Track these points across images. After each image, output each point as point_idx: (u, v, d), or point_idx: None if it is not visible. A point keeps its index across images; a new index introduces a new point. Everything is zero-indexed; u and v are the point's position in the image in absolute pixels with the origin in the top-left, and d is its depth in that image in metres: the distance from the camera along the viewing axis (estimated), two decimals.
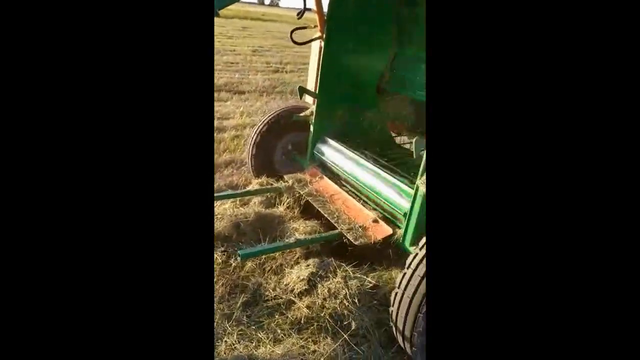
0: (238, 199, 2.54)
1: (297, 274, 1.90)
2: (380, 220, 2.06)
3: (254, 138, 2.76)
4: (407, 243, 1.90)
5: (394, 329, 1.57)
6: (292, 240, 1.91)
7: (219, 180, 3.06)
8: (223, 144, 3.79)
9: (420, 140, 1.64)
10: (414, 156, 1.66)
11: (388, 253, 2.06)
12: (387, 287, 1.88)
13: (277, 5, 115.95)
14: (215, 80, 6.23)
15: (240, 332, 1.66)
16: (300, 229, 2.21)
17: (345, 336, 1.63)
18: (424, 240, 1.51)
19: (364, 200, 2.23)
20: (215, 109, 4.79)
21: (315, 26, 2.59)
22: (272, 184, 2.62)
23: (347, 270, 1.85)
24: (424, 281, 1.40)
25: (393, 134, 3.11)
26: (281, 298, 1.84)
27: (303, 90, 2.50)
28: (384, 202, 2.06)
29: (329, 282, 1.80)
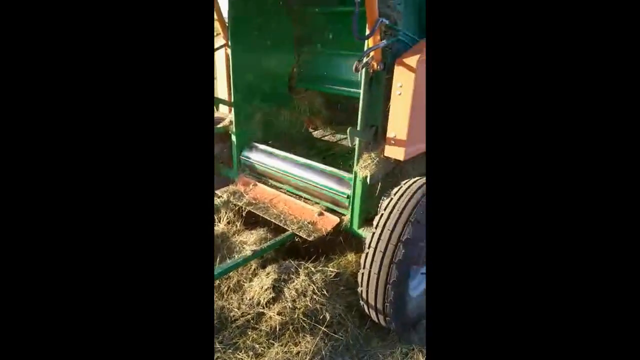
0: None
1: (259, 284, 1.87)
2: (325, 213, 2.14)
3: None
4: (355, 226, 2.02)
5: (365, 306, 1.68)
6: (248, 252, 1.86)
7: None
8: None
9: (354, 129, 1.75)
10: (350, 144, 1.77)
11: (338, 240, 2.16)
12: (347, 271, 1.98)
13: None
14: None
15: (219, 359, 1.58)
16: (250, 240, 2.16)
17: (322, 328, 1.68)
18: (377, 218, 1.63)
19: (304, 198, 2.28)
20: None
21: (218, 34, 2.52)
22: None
23: (307, 267, 1.89)
24: (387, 255, 1.52)
25: (310, 129, 3.22)
26: (249, 314, 1.80)
27: (218, 101, 2.42)
28: (326, 194, 2.15)
29: (294, 283, 1.82)
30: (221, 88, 2.63)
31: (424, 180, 1.69)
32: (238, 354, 1.61)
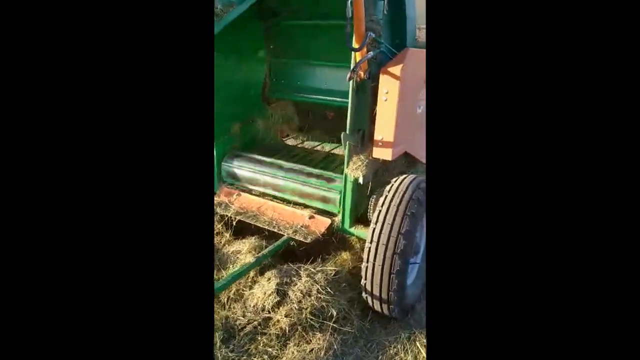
0: None
1: (262, 290, 1.89)
2: (315, 215, 2.22)
3: None
4: (346, 226, 2.13)
5: (369, 298, 1.79)
6: (251, 260, 1.89)
7: None
8: None
9: (346, 134, 1.87)
10: (343, 148, 1.89)
11: (330, 241, 2.25)
12: (344, 269, 2.08)
13: None
14: None
15: None
16: (244, 249, 2.17)
17: (331, 324, 1.76)
18: (376, 214, 1.75)
19: (293, 204, 2.35)
20: None
21: None
22: None
23: (307, 269, 1.95)
24: (389, 247, 1.65)
25: (282, 138, 3.29)
26: (255, 320, 1.82)
27: None
28: (315, 197, 2.23)
29: (297, 285, 1.87)
30: None
31: (413, 176, 1.86)
32: (253, 359, 1.63)
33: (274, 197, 2.41)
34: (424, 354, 1.66)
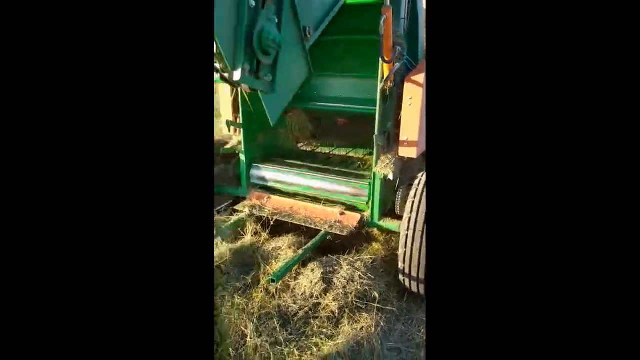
0: None
1: (308, 280, 2.10)
2: (345, 212, 2.45)
3: None
4: (376, 219, 2.36)
5: (407, 280, 2.02)
6: (296, 253, 2.10)
7: None
8: None
9: (377, 136, 2.12)
10: (375, 149, 2.13)
11: (360, 234, 2.48)
12: (378, 256, 2.31)
13: None
14: None
15: (296, 347, 1.78)
16: (284, 245, 2.37)
17: (375, 305, 1.98)
18: (409, 205, 1.99)
19: (323, 202, 2.57)
20: None
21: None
22: (224, 220, 2.63)
23: (347, 259, 2.17)
24: (424, 234, 1.89)
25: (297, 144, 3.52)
26: (306, 306, 2.02)
27: (230, 124, 2.62)
28: (345, 195, 2.46)
29: (340, 273, 2.09)
30: (226, 111, 2.81)
31: None
32: (312, 339, 1.82)
33: (305, 197, 2.62)
34: None
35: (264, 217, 2.49)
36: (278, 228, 2.54)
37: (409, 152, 2.14)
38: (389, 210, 2.42)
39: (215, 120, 3.55)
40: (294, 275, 2.21)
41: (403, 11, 2.08)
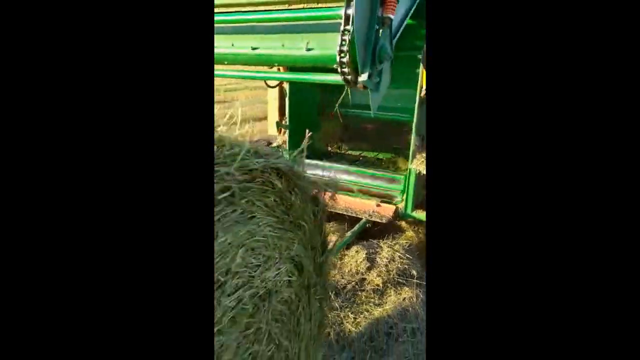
0: None
1: (353, 260, 2.42)
2: (381, 204, 2.79)
3: None
4: (409, 210, 2.70)
5: None
6: (354, 229, 2.45)
7: None
8: None
9: (415, 137, 2.47)
10: (411, 149, 2.49)
11: (391, 225, 2.81)
12: (413, 241, 2.64)
13: None
14: None
15: (349, 311, 2.08)
16: (329, 231, 2.69)
17: (414, 280, 2.29)
18: None
19: (360, 195, 2.90)
20: None
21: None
22: None
23: (386, 242, 2.50)
24: None
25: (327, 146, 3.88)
26: (353, 281, 2.33)
27: (280, 125, 2.98)
28: (380, 190, 2.80)
29: (381, 254, 2.41)
30: (271, 114, 3.17)
31: None
32: (362, 306, 2.13)
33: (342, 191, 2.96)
34: None
35: None
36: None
37: None
38: (420, 203, 2.76)
39: (262, 121, 3.92)
40: (339, 257, 2.52)
41: None
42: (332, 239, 2.60)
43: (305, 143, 1.11)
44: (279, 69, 2.89)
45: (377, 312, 2.08)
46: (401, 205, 2.73)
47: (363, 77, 1.54)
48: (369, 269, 2.37)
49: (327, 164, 3.02)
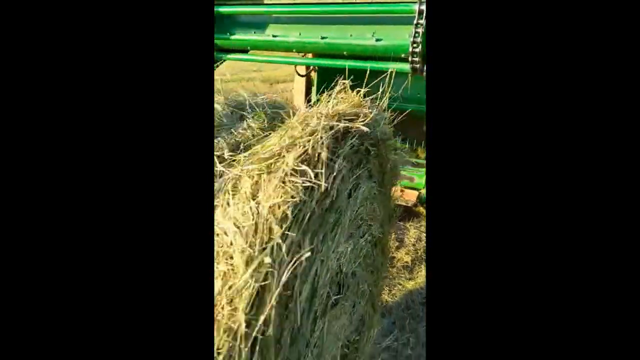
0: None
1: None
2: (404, 189, 3.00)
3: None
4: None
5: None
6: None
7: None
8: None
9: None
10: None
11: (413, 210, 3.03)
12: None
13: None
14: None
15: (383, 284, 2.31)
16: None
17: None
18: None
19: None
20: None
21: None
22: None
23: (412, 224, 2.72)
24: None
25: None
26: None
27: None
28: (405, 177, 3.01)
29: (409, 235, 2.64)
30: (298, 102, 3.35)
31: None
32: (394, 280, 2.36)
33: None
34: None
35: None
36: None
37: None
38: None
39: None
40: None
41: None
42: None
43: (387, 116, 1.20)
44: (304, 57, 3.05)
45: (410, 285, 2.31)
46: (423, 191, 2.95)
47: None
48: (397, 248, 2.60)
49: None
